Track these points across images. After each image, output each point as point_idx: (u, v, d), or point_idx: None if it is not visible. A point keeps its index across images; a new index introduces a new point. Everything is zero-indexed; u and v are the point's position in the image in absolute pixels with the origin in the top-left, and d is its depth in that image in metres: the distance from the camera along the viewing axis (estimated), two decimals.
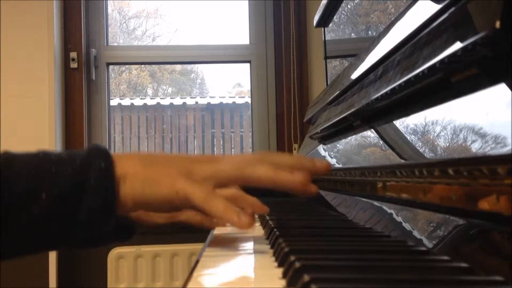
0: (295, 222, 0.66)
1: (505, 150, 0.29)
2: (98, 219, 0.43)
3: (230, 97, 2.56)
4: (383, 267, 0.34)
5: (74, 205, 0.42)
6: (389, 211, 0.52)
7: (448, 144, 0.38)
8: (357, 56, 0.72)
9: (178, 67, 2.85)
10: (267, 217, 0.65)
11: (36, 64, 1.75)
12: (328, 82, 1.18)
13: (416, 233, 0.43)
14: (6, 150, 0.44)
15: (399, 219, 0.49)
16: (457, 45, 0.34)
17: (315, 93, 1.86)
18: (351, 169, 0.64)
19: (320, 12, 1.14)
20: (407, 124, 0.50)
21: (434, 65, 0.38)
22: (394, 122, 0.54)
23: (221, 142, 2.40)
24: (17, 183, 0.41)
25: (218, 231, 0.65)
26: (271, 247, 0.47)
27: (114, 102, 2.46)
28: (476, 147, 0.33)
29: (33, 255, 0.44)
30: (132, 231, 0.54)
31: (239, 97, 2.57)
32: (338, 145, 0.84)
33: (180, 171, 0.46)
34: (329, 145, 0.91)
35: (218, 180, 0.47)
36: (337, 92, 0.78)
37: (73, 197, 0.42)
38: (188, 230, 0.68)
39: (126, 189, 0.44)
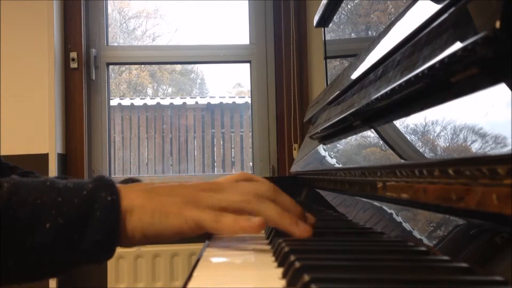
0: None
1: (505, 150, 0.29)
2: (100, 251, 0.43)
3: (230, 97, 2.56)
4: (383, 267, 0.34)
5: (77, 237, 0.42)
6: (389, 211, 0.52)
7: (448, 144, 0.38)
8: (357, 56, 0.72)
9: (178, 67, 2.86)
10: None
11: (36, 64, 1.76)
12: (328, 82, 1.18)
13: (416, 233, 0.44)
14: (12, 177, 0.44)
15: (399, 219, 0.49)
16: (457, 45, 0.34)
17: (315, 93, 1.86)
18: (351, 169, 0.64)
19: (320, 12, 1.14)
20: (407, 124, 0.50)
21: (434, 65, 0.38)
22: (394, 122, 0.54)
23: (221, 142, 2.40)
24: (22, 210, 0.41)
25: None
26: (271, 247, 0.47)
27: (114, 102, 2.46)
28: (476, 147, 0.33)
29: (33, 282, 0.44)
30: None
31: (239, 97, 2.57)
32: (338, 145, 0.84)
33: (186, 200, 0.46)
34: (329, 145, 0.91)
35: (224, 208, 0.47)
36: (337, 92, 0.78)
37: (77, 228, 0.42)
38: None
39: (134, 221, 0.45)
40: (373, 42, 0.63)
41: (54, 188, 0.43)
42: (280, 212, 0.47)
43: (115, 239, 0.44)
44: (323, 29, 1.21)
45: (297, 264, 0.32)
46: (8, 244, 0.41)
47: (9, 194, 0.41)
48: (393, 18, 0.57)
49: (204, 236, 0.65)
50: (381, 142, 0.58)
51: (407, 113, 0.50)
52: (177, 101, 2.54)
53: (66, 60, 1.84)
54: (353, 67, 0.71)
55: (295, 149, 1.86)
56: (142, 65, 2.70)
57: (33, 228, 0.41)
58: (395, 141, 0.53)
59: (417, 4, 0.48)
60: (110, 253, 0.44)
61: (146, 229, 0.45)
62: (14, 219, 0.41)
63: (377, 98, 0.53)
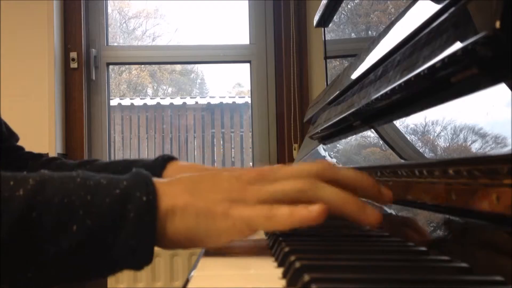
0: None
1: (505, 150, 0.29)
2: (136, 257, 0.38)
3: (230, 97, 2.56)
4: (383, 267, 0.34)
5: (109, 240, 0.37)
6: (389, 211, 0.52)
7: (448, 144, 0.38)
8: (357, 56, 0.72)
9: (178, 67, 2.85)
10: None
11: (36, 64, 1.76)
12: (328, 82, 1.18)
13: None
14: (41, 172, 0.40)
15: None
16: (457, 45, 0.34)
17: (315, 93, 1.86)
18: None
19: (320, 12, 1.14)
20: (407, 124, 0.50)
21: (434, 65, 0.38)
22: (394, 122, 0.54)
23: (221, 142, 2.40)
24: (48, 211, 0.36)
25: None
26: (271, 247, 0.46)
27: (114, 102, 2.47)
28: (476, 147, 0.33)
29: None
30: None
31: (239, 97, 2.57)
32: (338, 145, 0.84)
33: (233, 197, 0.40)
34: (329, 145, 0.91)
35: (277, 201, 0.40)
36: (337, 92, 0.78)
37: (109, 231, 0.37)
38: None
39: (176, 224, 0.39)
40: (373, 42, 0.63)
41: (84, 186, 0.38)
42: (343, 196, 0.40)
43: (151, 243, 0.38)
44: (323, 29, 1.21)
45: (297, 264, 0.32)
46: (28, 253, 0.36)
47: (34, 193, 0.37)
48: (393, 18, 0.57)
49: None
50: (381, 142, 0.58)
51: (407, 113, 0.50)
52: (177, 101, 2.54)
53: (66, 60, 1.84)
54: (353, 67, 0.71)
55: (295, 149, 1.86)
56: (142, 65, 2.69)
57: (59, 233, 0.36)
58: (395, 141, 0.53)
59: (417, 4, 0.48)
60: (147, 259, 0.39)
61: (191, 234, 0.40)
62: (37, 224, 0.36)
63: (377, 98, 0.53)
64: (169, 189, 0.40)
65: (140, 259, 0.39)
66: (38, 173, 0.39)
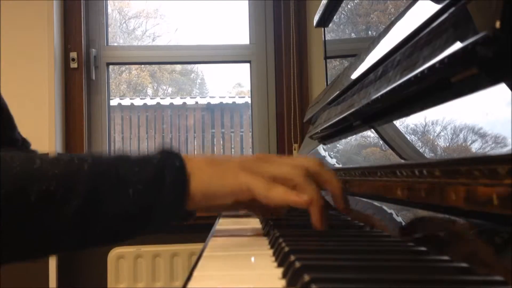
0: (295, 221, 0.66)
1: (505, 150, 0.29)
2: (172, 212, 0.49)
3: (230, 97, 2.56)
4: (383, 267, 0.34)
5: (154, 199, 0.48)
6: (389, 211, 0.52)
7: (448, 144, 0.38)
8: (357, 56, 0.72)
9: (178, 67, 2.85)
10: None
11: (36, 64, 1.76)
12: (328, 82, 1.18)
13: (416, 233, 0.43)
14: (90, 153, 0.49)
15: (399, 219, 0.49)
16: (457, 45, 0.34)
17: (315, 93, 1.86)
18: (351, 169, 0.64)
19: (320, 12, 1.14)
20: (407, 124, 0.50)
21: (434, 65, 0.38)
22: (394, 122, 0.54)
23: (221, 142, 2.40)
24: (107, 181, 0.47)
25: (218, 231, 0.64)
26: (271, 247, 0.47)
27: (114, 102, 2.46)
28: (476, 147, 0.33)
29: (115, 245, 0.49)
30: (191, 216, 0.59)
31: (239, 97, 2.56)
32: (338, 145, 0.84)
33: (242, 166, 0.51)
34: (329, 145, 0.90)
35: (275, 177, 0.50)
36: (337, 92, 0.78)
37: (153, 192, 0.48)
38: (188, 230, 0.68)
39: (195, 183, 0.50)
40: (373, 42, 0.63)
41: (129, 161, 0.49)
42: (316, 197, 0.49)
43: (184, 200, 0.49)
44: (323, 29, 1.21)
45: (297, 264, 0.32)
46: (98, 213, 0.46)
47: (95, 167, 0.47)
48: (393, 18, 0.57)
49: (206, 232, 0.65)
50: (381, 142, 0.58)
51: (407, 113, 0.50)
52: (177, 101, 2.53)
53: (66, 60, 1.84)
54: (353, 67, 0.71)
55: (295, 149, 1.86)
56: (142, 65, 2.69)
57: (119, 196, 0.47)
58: (395, 141, 0.53)
59: (417, 4, 0.48)
60: (178, 216, 0.50)
61: (205, 190, 0.50)
62: (101, 191, 0.46)
63: (377, 98, 0.53)
64: (192, 158, 0.52)
65: (175, 213, 0.49)
66: (87, 154, 0.50)
